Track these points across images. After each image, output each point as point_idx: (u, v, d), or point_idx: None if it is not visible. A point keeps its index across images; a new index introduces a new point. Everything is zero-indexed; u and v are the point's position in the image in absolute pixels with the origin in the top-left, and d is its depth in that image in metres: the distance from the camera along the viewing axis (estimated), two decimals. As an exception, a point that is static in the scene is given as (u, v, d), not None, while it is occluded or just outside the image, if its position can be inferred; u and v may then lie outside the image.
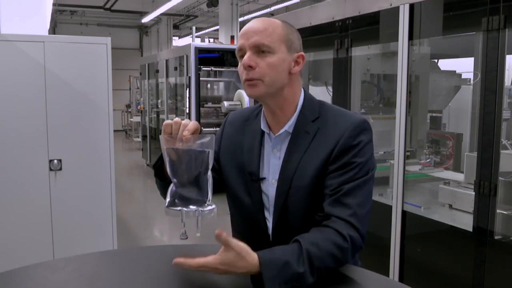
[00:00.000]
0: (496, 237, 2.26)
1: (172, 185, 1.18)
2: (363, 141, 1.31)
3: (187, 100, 6.53)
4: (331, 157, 1.30)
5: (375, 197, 2.91)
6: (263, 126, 1.42)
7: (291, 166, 1.34)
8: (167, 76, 7.64)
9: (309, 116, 1.37)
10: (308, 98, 1.41)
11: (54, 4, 10.03)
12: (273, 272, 1.12)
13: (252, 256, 1.13)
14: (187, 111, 6.57)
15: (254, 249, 1.16)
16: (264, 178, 1.39)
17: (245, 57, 1.29)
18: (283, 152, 1.37)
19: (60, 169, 3.17)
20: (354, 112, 2.22)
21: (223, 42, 9.34)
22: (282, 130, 1.37)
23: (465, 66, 3.35)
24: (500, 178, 2.24)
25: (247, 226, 1.45)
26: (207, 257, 1.12)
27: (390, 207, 2.73)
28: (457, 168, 3.06)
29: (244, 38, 1.31)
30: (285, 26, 1.33)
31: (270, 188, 1.39)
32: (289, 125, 1.37)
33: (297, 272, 1.13)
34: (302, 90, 1.42)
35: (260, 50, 1.29)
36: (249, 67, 1.29)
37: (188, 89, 6.51)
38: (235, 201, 1.46)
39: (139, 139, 10.62)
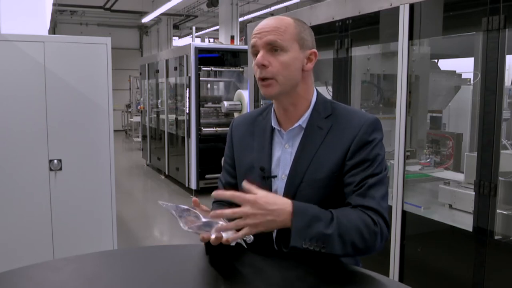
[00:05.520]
0: (496, 237, 2.26)
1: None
2: (377, 139, 1.35)
3: (187, 100, 6.53)
4: (349, 152, 1.33)
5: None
6: (273, 123, 1.43)
7: (304, 160, 1.36)
8: (167, 76, 7.64)
9: (322, 113, 1.40)
10: (321, 96, 1.45)
11: (54, 4, 10.03)
12: (303, 223, 1.17)
13: (286, 199, 1.21)
14: (187, 111, 6.57)
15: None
16: (276, 176, 1.40)
17: (259, 55, 1.31)
18: (295, 147, 1.39)
19: (60, 169, 3.17)
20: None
21: (223, 42, 9.34)
22: (295, 125, 1.39)
23: (465, 66, 3.34)
24: (500, 178, 2.23)
25: None
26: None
27: (390, 207, 2.73)
28: (457, 168, 3.06)
29: (257, 36, 1.32)
30: (297, 24, 1.34)
31: (279, 183, 1.40)
32: (302, 120, 1.39)
33: (324, 233, 1.18)
34: (315, 88, 1.44)
35: (273, 48, 1.31)
36: (262, 66, 1.31)
37: (188, 89, 6.51)
38: None
39: (139, 139, 10.63)
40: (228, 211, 1.18)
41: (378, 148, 1.35)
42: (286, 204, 1.20)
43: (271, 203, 1.18)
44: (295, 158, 1.38)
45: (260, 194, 1.19)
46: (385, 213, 1.30)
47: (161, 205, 1.25)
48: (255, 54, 1.34)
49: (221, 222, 1.21)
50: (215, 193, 1.19)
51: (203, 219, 1.23)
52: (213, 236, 1.17)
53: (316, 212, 1.21)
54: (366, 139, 1.33)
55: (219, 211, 1.18)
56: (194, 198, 1.27)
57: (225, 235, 1.17)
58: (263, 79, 1.33)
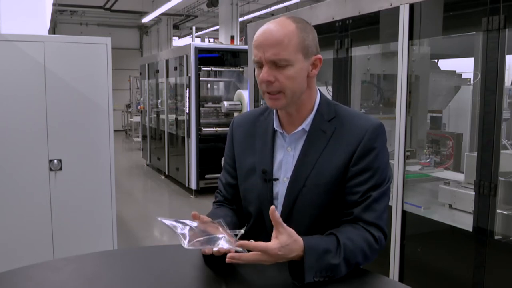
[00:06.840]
0: (496, 237, 2.26)
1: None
2: (381, 145, 1.33)
3: (187, 100, 6.53)
4: (354, 157, 1.31)
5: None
6: (276, 126, 1.41)
7: (307, 164, 1.35)
8: (167, 76, 7.64)
9: (325, 116, 1.37)
10: (324, 98, 1.42)
11: (54, 4, 10.03)
12: (313, 259, 1.17)
13: (299, 239, 1.18)
14: (187, 111, 6.57)
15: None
16: (278, 179, 1.39)
17: (263, 72, 1.28)
18: (298, 151, 1.37)
19: (60, 169, 3.17)
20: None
21: (223, 42, 9.34)
22: (299, 128, 1.37)
23: (465, 66, 3.34)
24: (500, 178, 2.23)
25: (254, 224, 1.45)
26: (266, 243, 1.14)
27: (390, 207, 2.73)
28: (457, 168, 3.06)
29: (260, 51, 1.27)
30: (300, 31, 1.29)
31: (281, 186, 1.39)
32: (306, 124, 1.37)
33: (333, 264, 1.19)
34: (318, 90, 1.42)
35: (277, 63, 1.27)
36: (268, 82, 1.28)
37: (188, 89, 6.51)
38: (246, 200, 1.47)
39: (139, 139, 10.63)
40: (248, 256, 1.14)
41: (382, 154, 1.33)
42: (300, 248, 1.17)
43: (288, 252, 1.16)
44: (298, 161, 1.36)
45: (281, 243, 1.14)
46: (385, 226, 1.32)
47: (160, 222, 1.24)
48: (260, 66, 1.30)
49: (222, 236, 1.20)
50: (240, 244, 1.14)
51: (204, 235, 1.21)
52: (215, 249, 1.17)
53: (324, 245, 1.20)
54: (371, 145, 1.31)
55: (245, 244, 1.14)
56: (193, 212, 1.23)
57: (226, 247, 1.17)
58: (269, 92, 1.31)
